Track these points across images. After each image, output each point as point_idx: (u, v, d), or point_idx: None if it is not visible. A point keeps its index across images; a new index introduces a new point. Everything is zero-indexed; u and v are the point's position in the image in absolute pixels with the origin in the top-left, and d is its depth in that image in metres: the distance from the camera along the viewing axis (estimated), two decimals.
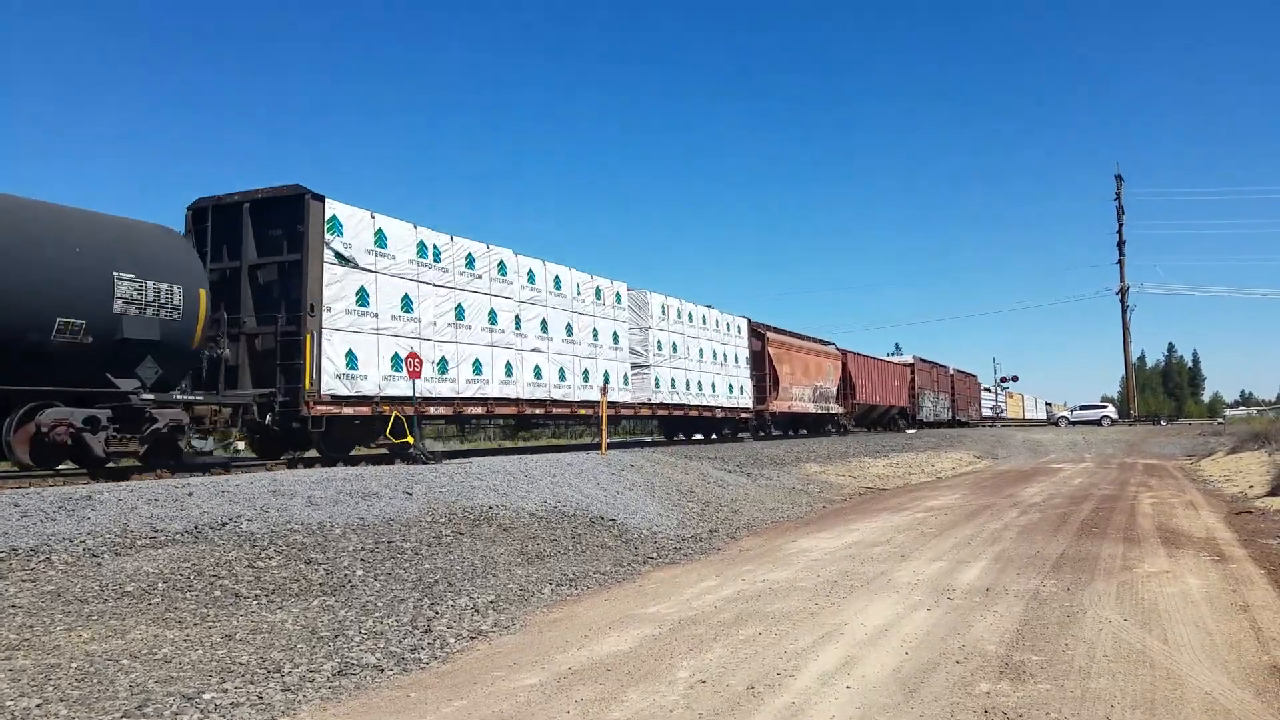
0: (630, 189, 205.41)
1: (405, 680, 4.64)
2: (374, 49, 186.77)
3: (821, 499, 14.65)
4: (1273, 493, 13.06)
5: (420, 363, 13.70)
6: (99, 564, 6.14)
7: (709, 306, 24.89)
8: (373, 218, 13.32)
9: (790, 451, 20.80)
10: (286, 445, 13.47)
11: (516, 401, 16.25)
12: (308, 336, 11.94)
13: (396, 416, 13.39)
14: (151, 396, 10.25)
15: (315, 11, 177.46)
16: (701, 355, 23.81)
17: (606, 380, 18.62)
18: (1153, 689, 4.27)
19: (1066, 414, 61.90)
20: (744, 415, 26.52)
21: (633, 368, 20.43)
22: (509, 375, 15.95)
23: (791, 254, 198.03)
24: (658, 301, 21.91)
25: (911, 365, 44.39)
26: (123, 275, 10.02)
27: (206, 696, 4.18)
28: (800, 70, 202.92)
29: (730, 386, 25.43)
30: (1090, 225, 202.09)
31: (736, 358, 26.16)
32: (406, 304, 13.82)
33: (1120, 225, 61.47)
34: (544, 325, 17.22)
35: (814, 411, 31.30)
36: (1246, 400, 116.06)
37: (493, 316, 15.73)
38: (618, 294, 20.30)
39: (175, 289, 10.63)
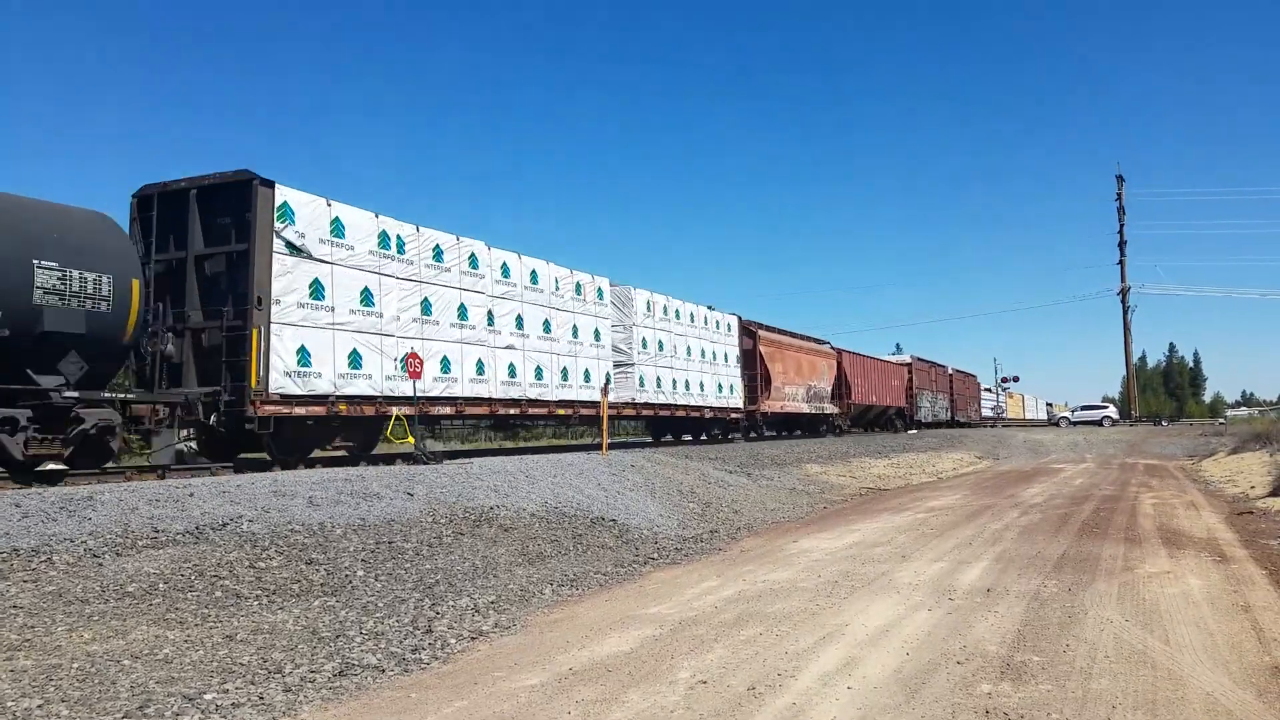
0: (630, 189, 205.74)
1: (406, 681, 4.64)
2: (374, 49, 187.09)
3: (822, 499, 14.65)
4: (1274, 493, 13.04)
5: (421, 363, 13.64)
6: (100, 564, 6.14)
7: (699, 304, 24.25)
8: (329, 205, 12.63)
9: (791, 452, 20.79)
10: (238, 447, 12.61)
11: (489, 401, 15.57)
12: (254, 331, 11.26)
13: (397, 417, 13.38)
14: (76, 394, 9.57)
15: (315, 11, 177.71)
16: (689, 353, 23.17)
17: (608, 381, 18.39)
18: (1154, 690, 4.27)
19: (1067, 414, 61.90)
20: (734, 415, 25.89)
21: (616, 366, 19.80)
22: (480, 374, 15.28)
23: (791, 254, 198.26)
24: (643, 298, 21.26)
25: (909, 365, 43.89)
26: (44, 264, 9.32)
27: (208, 697, 4.18)
28: (800, 70, 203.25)
29: (720, 386, 24.81)
30: (1090, 225, 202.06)
31: (726, 356, 25.53)
32: (367, 298, 13.09)
33: (1121, 225, 61.56)
34: (519, 321, 16.57)
35: (808, 412, 30.80)
36: (1248, 400, 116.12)
37: (463, 312, 15.06)
38: (599, 289, 19.59)
39: (104, 279, 9.91)
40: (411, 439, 13.44)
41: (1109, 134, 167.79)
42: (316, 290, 12.21)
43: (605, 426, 17.06)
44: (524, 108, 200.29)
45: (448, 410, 14.50)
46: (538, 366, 16.94)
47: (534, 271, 17.25)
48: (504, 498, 9.89)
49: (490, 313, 15.81)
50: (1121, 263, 61.05)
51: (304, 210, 12.16)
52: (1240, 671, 4.56)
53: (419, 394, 13.61)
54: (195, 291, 11.93)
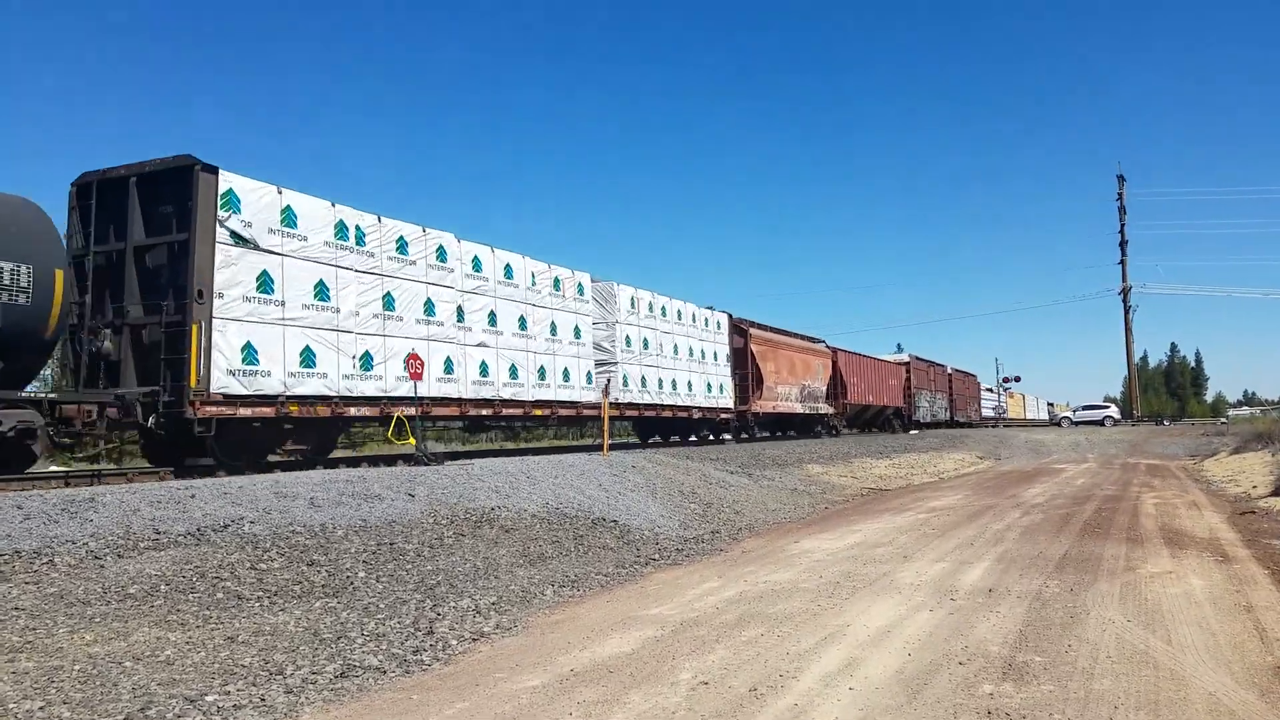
0: (630, 189, 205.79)
1: (407, 682, 4.64)
2: (374, 49, 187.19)
3: (824, 500, 14.64)
4: (1276, 493, 13.03)
5: (422, 364, 13.62)
6: (101, 566, 6.14)
7: (687, 301, 23.56)
8: (280, 193, 11.90)
9: (792, 452, 20.77)
10: (183, 450, 11.77)
11: (459, 401, 14.90)
12: (195, 327, 10.57)
13: (398, 418, 13.36)
14: None
15: (315, 11, 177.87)
16: (677, 352, 22.43)
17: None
18: (1156, 690, 4.26)
19: (1069, 414, 61.94)
20: (724, 416, 25.16)
21: (598, 365, 19.09)
22: (449, 372, 14.62)
23: (792, 254, 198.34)
24: (626, 294, 20.49)
25: (907, 364, 43.30)
26: None
27: (209, 699, 4.18)
28: (800, 70, 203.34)
29: (709, 385, 24.04)
30: (1091, 225, 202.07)
31: (716, 355, 24.78)
32: (321, 291, 12.34)
33: (1122, 225, 61.65)
34: (492, 318, 15.90)
35: (802, 412, 30.08)
36: (1249, 400, 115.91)
37: (430, 307, 14.34)
38: (580, 285, 18.84)
39: (23, 269, 9.38)
40: (413, 440, 13.45)
41: (1109, 134, 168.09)
42: (265, 283, 11.52)
43: (606, 427, 17.02)
44: (524, 108, 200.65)
45: (412, 411, 13.79)
46: (512, 365, 16.31)
47: (508, 265, 16.58)
48: (505, 499, 9.89)
49: (460, 308, 15.14)
50: (1123, 262, 61.12)
51: (251, 198, 11.46)
52: (1243, 671, 4.55)
53: (388, 394, 13.16)
54: (135, 285, 11.31)
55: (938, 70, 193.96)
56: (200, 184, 10.86)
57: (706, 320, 24.66)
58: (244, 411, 11.15)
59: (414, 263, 14.24)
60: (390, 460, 13.93)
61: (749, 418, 26.51)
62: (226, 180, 11.16)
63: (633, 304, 20.81)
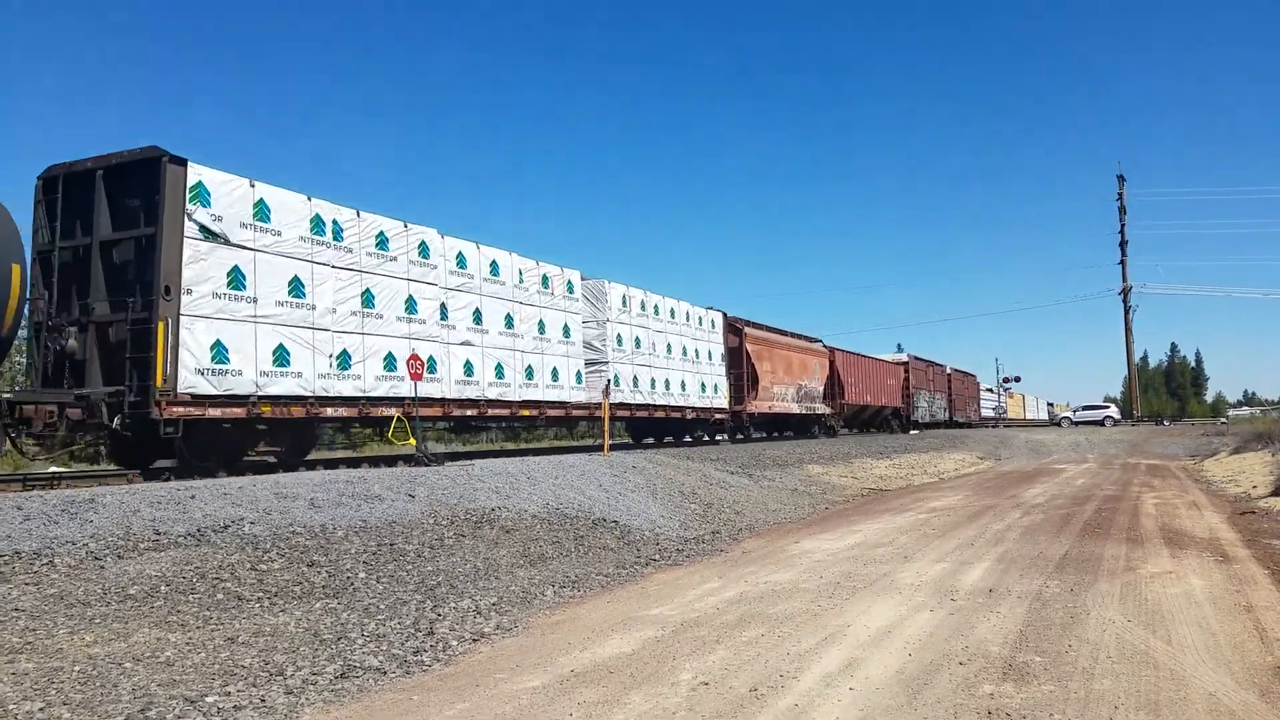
0: (630, 189, 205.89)
1: (408, 683, 4.64)
2: (373, 49, 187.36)
3: (824, 500, 14.64)
4: (1276, 493, 13.03)
5: (421, 364, 13.61)
6: (102, 567, 6.14)
7: (680, 299, 23.22)
8: (252, 186, 11.55)
9: (792, 453, 20.77)
10: (151, 452, 11.44)
11: (442, 401, 14.52)
12: (161, 324, 10.24)
13: (398, 419, 13.36)
14: None
15: (315, 11, 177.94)
16: (670, 351, 22.07)
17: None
18: (1156, 690, 4.26)
19: (1069, 414, 61.94)
20: (719, 416, 24.80)
21: (588, 365, 18.75)
22: (432, 372, 14.25)
23: (792, 254, 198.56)
24: (617, 292, 20.18)
25: (905, 364, 43.10)
26: None
27: (209, 699, 4.18)
28: (800, 70, 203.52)
29: (703, 385, 23.72)
30: (1091, 225, 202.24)
31: (710, 354, 24.43)
32: (296, 288, 11.98)
33: (1122, 225, 61.69)
34: (477, 316, 15.47)
35: (798, 412, 29.76)
36: (1250, 400, 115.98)
37: (411, 304, 13.96)
38: (569, 283, 18.37)
39: None
40: (413, 440, 13.46)
41: (1109, 134, 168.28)
42: (236, 279, 11.16)
43: (607, 428, 17.01)
44: (524, 108, 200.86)
45: (392, 411, 13.43)
46: (498, 364, 15.89)
47: (494, 262, 16.12)
48: (505, 499, 9.89)
49: (443, 306, 14.72)
50: (1123, 262, 61.15)
51: (222, 191, 11.12)
52: (1243, 671, 4.55)
53: (366, 394, 12.91)
54: (101, 281, 10.98)
55: (938, 70, 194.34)
56: (168, 176, 10.54)
57: (700, 319, 24.34)
58: (213, 412, 10.85)
59: (395, 259, 13.87)
60: (391, 461, 13.92)
61: (744, 418, 26.26)
62: (196, 173, 10.85)
63: (624, 302, 20.51)
